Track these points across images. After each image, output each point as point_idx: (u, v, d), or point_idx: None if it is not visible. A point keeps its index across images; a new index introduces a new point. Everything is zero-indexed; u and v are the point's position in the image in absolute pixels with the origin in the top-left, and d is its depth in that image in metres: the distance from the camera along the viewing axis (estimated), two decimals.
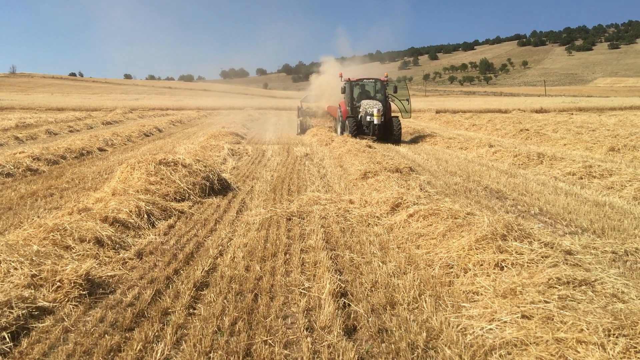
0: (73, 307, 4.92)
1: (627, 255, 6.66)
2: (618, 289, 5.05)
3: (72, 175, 12.37)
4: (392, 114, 23.10)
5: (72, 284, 5.19)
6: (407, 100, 23.95)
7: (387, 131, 22.07)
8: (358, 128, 21.97)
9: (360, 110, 22.44)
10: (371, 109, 21.67)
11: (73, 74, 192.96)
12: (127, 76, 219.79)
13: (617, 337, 3.82)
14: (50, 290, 5.08)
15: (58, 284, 5.18)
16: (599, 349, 3.72)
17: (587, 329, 3.93)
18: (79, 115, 34.77)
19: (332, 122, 26.68)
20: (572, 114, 42.55)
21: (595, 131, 23.53)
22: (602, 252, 6.65)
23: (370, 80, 24.15)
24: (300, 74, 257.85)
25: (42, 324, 4.58)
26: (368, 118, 21.65)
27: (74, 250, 6.13)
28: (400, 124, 22.47)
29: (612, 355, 3.65)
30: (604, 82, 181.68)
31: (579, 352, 3.74)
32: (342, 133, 22.60)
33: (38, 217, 8.03)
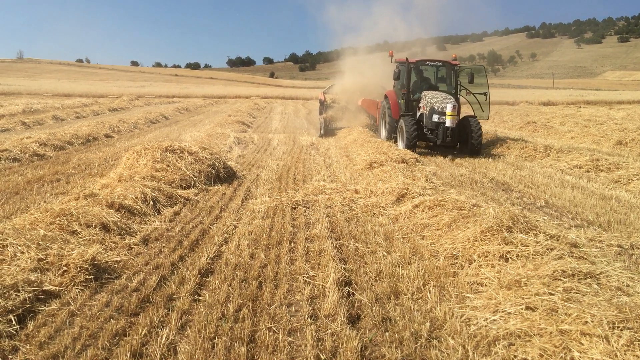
0: (79, 292, 4.96)
1: (633, 248, 6.64)
2: (623, 282, 5.05)
3: (79, 161, 12.41)
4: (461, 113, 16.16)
5: (78, 269, 5.22)
6: (485, 94, 16.53)
7: (461, 137, 15.41)
8: (419, 132, 15.41)
9: (422, 105, 15.92)
10: (441, 104, 14.93)
11: (80, 60, 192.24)
12: (134, 63, 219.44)
13: (621, 330, 3.82)
14: (57, 275, 5.12)
15: (64, 268, 5.21)
16: (603, 341, 3.72)
17: (592, 322, 3.93)
18: (86, 101, 34.79)
19: (367, 119, 20.62)
20: (580, 107, 42.24)
21: (603, 124, 23.36)
22: (608, 246, 6.64)
23: (436, 63, 17.25)
24: (307, 63, 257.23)
25: (48, 308, 4.62)
26: (435, 118, 14.85)
27: (80, 235, 6.16)
28: (480, 127, 15.43)
29: (616, 348, 3.64)
30: (613, 75, 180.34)
31: (582, 344, 3.74)
32: (389, 138, 16.66)
33: (44, 202, 8.08)
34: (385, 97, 17.52)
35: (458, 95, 16.39)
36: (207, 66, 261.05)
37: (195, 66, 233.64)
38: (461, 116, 15.68)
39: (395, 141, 16.07)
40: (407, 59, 16.79)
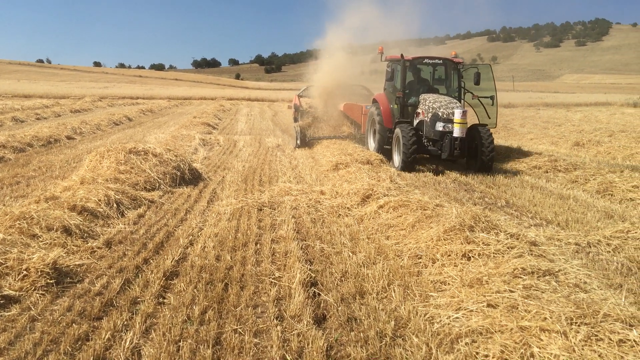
0: (40, 296, 4.86)
1: (590, 246, 6.84)
2: (580, 279, 5.20)
3: (39, 163, 12.13)
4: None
5: (39, 273, 5.12)
6: (492, 97, 13.86)
7: (470, 149, 12.69)
8: (419, 144, 12.66)
9: (420, 110, 13.39)
10: (446, 109, 12.48)
11: (40, 61, 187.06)
12: (97, 64, 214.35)
13: (579, 326, 3.94)
14: (17, 279, 5.01)
15: (24, 272, 5.11)
16: (561, 337, 3.83)
17: (551, 318, 4.04)
18: (47, 102, 33.94)
19: (349, 127, 17.74)
20: (539, 109, 43.13)
21: (561, 126, 23.99)
22: (566, 244, 6.83)
23: (435, 60, 14.27)
24: (272, 64, 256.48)
25: (8, 313, 4.52)
26: (440, 126, 12.38)
27: (41, 239, 6.04)
28: (492, 138, 12.81)
29: (574, 343, 3.76)
30: (571, 78, 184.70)
31: (542, 340, 3.85)
32: (380, 150, 14.06)
33: (4, 205, 7.86)
34: (374, 101, 15.00)
35: (462, 99, 13.94)
36: (171, 67, 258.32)
37: (159, 67, 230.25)
38: (475, 125, 13.19)
39: (390, 154, 13.67)
40: (402, 55, 13.89)
